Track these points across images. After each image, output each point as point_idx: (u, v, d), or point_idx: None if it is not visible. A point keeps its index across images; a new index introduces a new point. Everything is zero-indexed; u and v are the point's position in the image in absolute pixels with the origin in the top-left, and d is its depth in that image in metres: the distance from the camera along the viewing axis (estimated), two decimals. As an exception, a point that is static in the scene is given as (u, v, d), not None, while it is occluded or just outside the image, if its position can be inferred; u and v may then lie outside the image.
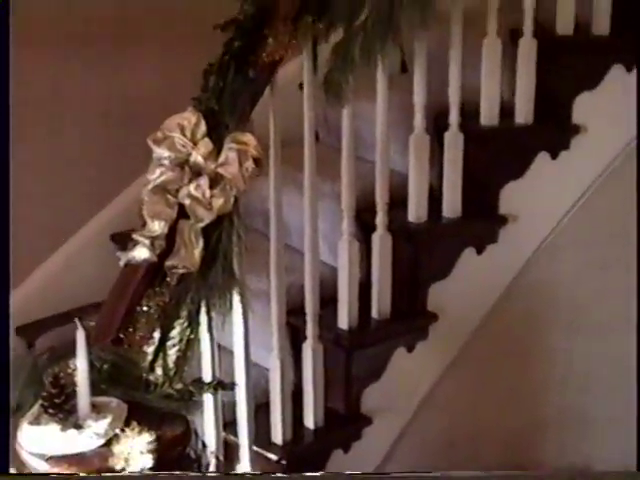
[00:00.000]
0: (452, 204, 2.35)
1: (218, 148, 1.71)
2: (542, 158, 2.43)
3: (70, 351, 1.61)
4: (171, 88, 2.80)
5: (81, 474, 1.50)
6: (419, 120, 2.26)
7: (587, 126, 2.47)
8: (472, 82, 2.36)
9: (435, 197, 2.37)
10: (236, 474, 2.05)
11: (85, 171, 2.83)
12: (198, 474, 1.67)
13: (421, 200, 2.31)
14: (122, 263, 1.70)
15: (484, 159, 2.38)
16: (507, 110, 2.40)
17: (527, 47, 2.36)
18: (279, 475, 2.00)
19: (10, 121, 1.76)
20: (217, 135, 1.73)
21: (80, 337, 1.56)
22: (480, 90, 2.37)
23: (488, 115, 2.36)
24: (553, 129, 2.46)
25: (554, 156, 2.44)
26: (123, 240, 1.88)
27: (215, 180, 1.68)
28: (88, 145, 2.84)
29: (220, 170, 1.68)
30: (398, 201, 2.33)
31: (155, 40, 2.87)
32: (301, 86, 2.11)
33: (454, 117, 2.29)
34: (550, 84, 2.40)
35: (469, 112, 2.36)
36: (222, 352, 1.95)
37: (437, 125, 2.40)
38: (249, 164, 1.68)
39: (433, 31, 2.13)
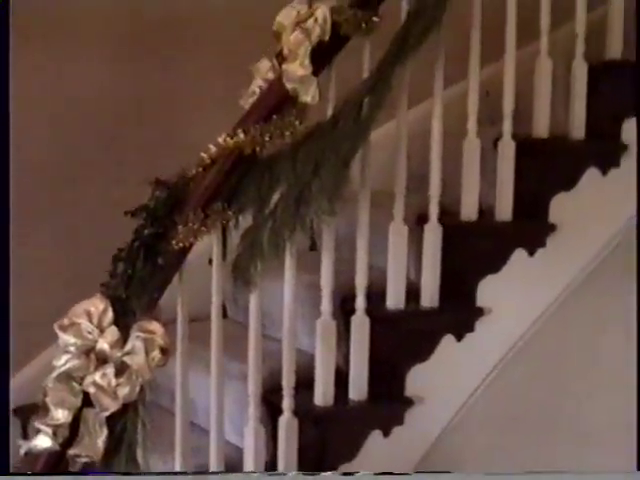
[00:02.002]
0: (359, 387, 2.45)
1: (125, 336, 1.79)
2: (447, 341, 2.55)
3: None
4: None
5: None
6: (326, 304, 2.38)
7: (492, 308, 2.61)
8: (380, 264, 2.52)
9: (342, 379, 2.46)
10: (237, 474, 2.10)
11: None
12: (198, 474, 1.70)
13: (328, 383, 2.40)
14: (22, 452, 1.75)
15: (390, 342, 2.49)
16: (414, 292, 2.54)
17: (432, 231, 2.53)
18: (282, 475, 2.02)
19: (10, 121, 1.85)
20: (124, 322, 1.82)
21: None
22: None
23: (394, 298, 2.49)
24: (458, 311, 2.60)
25: (459, 338, 2.57)
26: (27, 415, 1.93)
27: (121, 369, 1.76)
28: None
29: (126, 359, 1.76)
30: (306, 382, 2.42)
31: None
32: (210, 261, 2.21)
33: (360, 301, 2.42)
34: (455, 267, 2.56)
35: (376, 294, 2.50)
36: None
37: (344, 307, 2.51)
38: (156, 353, 1.77)
39: (341, 213, 2.27)
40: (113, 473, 1.64)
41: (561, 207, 2.66)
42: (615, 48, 2.77)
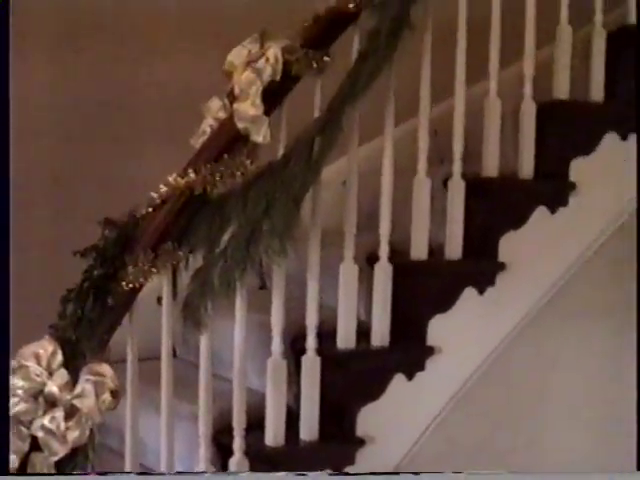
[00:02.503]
0: (310, 427, 2.46)
1: (74, 378, 1.79)
2: (398, 380, 2.58)
3: None
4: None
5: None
6: (277, 344, 2.39)
7: (442, 346, 2.64)
8: (330, 303, 2.54)
9: (293, 419, 2.47)
10: (237, 473, 2.17)
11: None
12: (198, 474, 1.70)
13: (278, 423, 2.40)
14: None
15: (341, 382, 2.51)
16: (365, 331, 2.56)
17: (382, 271, 2.55)
18: (279, 475, 2.07)
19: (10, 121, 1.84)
20: (74, 365, 1.81)
21: None
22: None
23: (344, 338, 2.51)
24: (409, 351, 2.62)
25: (410, 377, 2.59)
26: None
27: (71, 412, 1.76)
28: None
29: (76, 402, 1.76)
30: (256, 422, 2.43)
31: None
32: (159, 300, 2.22)
33: (311, 341, 2.43)
34: (406, 306, 2.59)
35: (327, 332, 2.51)
36: None
37: (295, 347, 2.53)
38: (106, 396, 1.77)
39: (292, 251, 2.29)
40: (115, 473, 1.63)
41: (510, 246, 2.71)
42: (562, 88, 2.83)
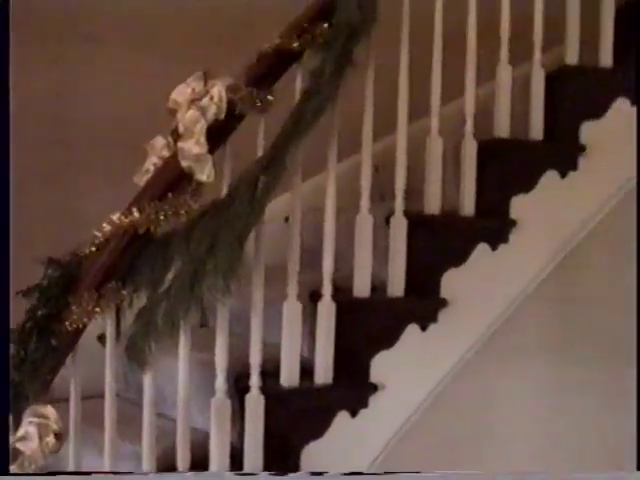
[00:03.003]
0: (254, 465, 2.47)
1: (18, 421, 1.79)
2: (342, 417, 2.60)
3: None
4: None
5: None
6: (220, 382, 2.40)
7: (386, 383, 2.68)
8: (273, 340, 2.56)
9: (237, 457, 2.48)
10: (238, 473, 2.20)
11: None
12: (199, 474, 1.70)
13: (223, 462, 2.41)
14: None
15: (285, 419, 2.53)
16: (308, 368, 2.59)
17: (325, 309, 2.59)
18: (279, 476, 2.11)
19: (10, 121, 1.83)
20: (17, 407, 1.81)
21: None
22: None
23: (288, 376, 2.53)
24: (352, 388, 2.65)
25: (353, 414, 2.62)
26: None
27: (14, 455, 1.75)
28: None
29: (19, 445, 1.76)
30: (200, 461, 2.43)
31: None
32: (101, 338, 2.23)
33: (255, 379, 2.45)
34: (349, 343, 2.62)
35: (271, 370, 2.53)
36: None
37: (238, 385, 2.55)
38: (50, 439, 1.77)
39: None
40: (115, 473, 1.63)
41: (452, 282, 2.76)
42: (503, 127, 2.90)
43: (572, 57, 3.00)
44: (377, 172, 2.79)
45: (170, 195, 2.17)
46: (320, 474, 2.36)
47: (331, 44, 2.42)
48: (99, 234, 2.11)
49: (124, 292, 2.10)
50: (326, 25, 2.44)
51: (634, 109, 3.00)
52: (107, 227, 2.12)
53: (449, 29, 2.79)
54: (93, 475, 1.64)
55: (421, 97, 2.79)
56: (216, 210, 2.22)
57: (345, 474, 2.35)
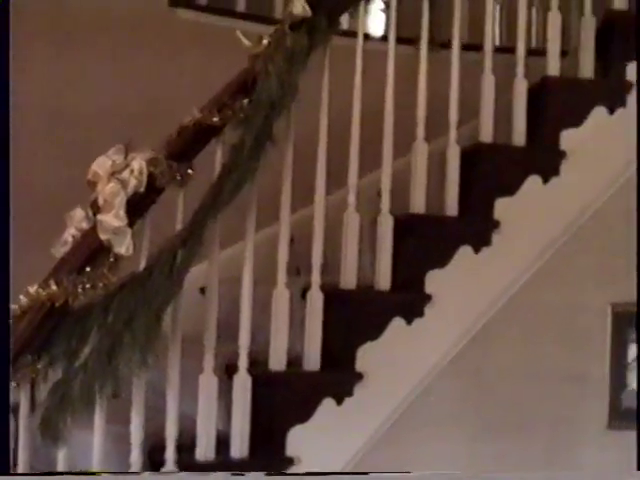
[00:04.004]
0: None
1: None
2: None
3: None
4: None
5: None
6: (136, 455, 2.42)
7: (301, 456, 2.72)
8: (189, 412, 2.59)
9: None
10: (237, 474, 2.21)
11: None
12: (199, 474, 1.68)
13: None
14: None
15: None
16: (225, 441, 2.62)
17: (241, 382, 2.63)
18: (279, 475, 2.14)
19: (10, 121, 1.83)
20: None
21: None
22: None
23: (204, 449, 2.56)
24: (269, 461, 2.69)
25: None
26: None
27: None
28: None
29: None
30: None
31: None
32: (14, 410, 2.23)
33: (170, 453, 2.48)
34: (265, 416, 2.66)
35: (187, 442, 2.56)
36: None
37: (153, 458, 2.56)
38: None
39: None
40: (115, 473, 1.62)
41: (368, 356, 2.83)
42: (418, 203, 2.99)
43: (486, 135, 3.11)
44: (292, 243, 2.85)
45: (88, 268, 2.21)
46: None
47: (251, 119, 2.49)
48: (15, 307, 2.13)
49: (39, 366, 2.11)
50: (246, 100, 2.52)
51: (545, 186, 3.12)
52: (23, 299, 2.14)
53: (367, 104, 2.88)
54: (93, 475, 1.63)
55: (339, 169, 2.87)
56: (134, 283, 2.26)
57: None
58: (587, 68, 3.25)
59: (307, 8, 2.61)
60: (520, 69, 3.16)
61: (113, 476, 1.67)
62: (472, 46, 3.24)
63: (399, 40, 2.96)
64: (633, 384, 3.10)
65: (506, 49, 3.33)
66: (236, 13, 4.03)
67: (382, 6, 3.37)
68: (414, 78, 3.01)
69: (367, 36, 2.93)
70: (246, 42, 2.60)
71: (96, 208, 2.29)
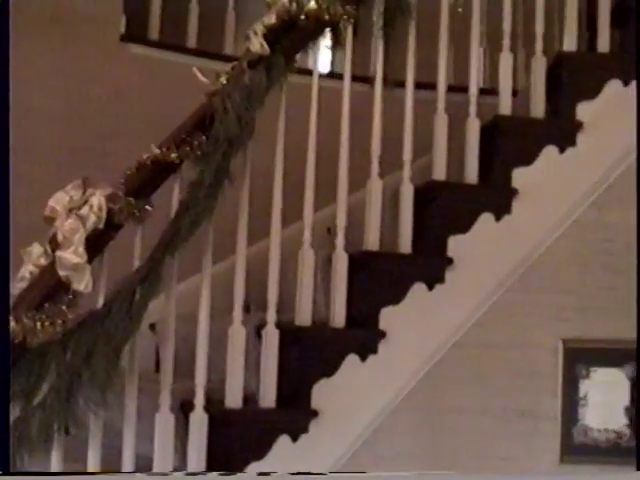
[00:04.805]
0: None
1: None
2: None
3: None
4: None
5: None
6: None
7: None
8: (144, 452, 2.60)
9: None
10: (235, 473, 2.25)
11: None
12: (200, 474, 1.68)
13: None
14: None
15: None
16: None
17: (197, 420, 2.66)
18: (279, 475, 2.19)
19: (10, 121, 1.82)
20: None
21: None
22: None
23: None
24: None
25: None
26: None
27: None
28: None
29: None
30: None
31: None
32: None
33: (127, 492, 2.49)
34: (222, 453, 2.68)
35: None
36: None
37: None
38: None
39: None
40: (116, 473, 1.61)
41: (323, 393, 2.87)
42: (372, 240, 3.04)
43: (439, 174, 3.17)
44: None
45: (47, 304, 2.22)
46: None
47: (209, 156, 2.53)
48: (-28, 344, 2.13)
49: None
50: (204, 137, 2.55)
51: (497, 224, 3.19)
52: (-19, 336, 2.14)
53: (322, 141, 2.94)
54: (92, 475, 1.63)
55: (293, 204, 2.92)
56: (93, 320, 2.28)
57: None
58: (538, 108, 3.34)
59: (265, 46, 2.66)
60: (472, 108, 3.23)
61: (110, 476, 1.69)
62: (424, 84, 3.30)
63: (353, 78, 3.04)
64: (584, 420, 3.17)
65: (458, 88, 3.40)
66: (188, 49, 4.09)
67: (329, 43, 3.42)
68: (368, 115, 3.08)
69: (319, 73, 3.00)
70: (203, 79, 2.64)
71: (55, 244, 2.30)
